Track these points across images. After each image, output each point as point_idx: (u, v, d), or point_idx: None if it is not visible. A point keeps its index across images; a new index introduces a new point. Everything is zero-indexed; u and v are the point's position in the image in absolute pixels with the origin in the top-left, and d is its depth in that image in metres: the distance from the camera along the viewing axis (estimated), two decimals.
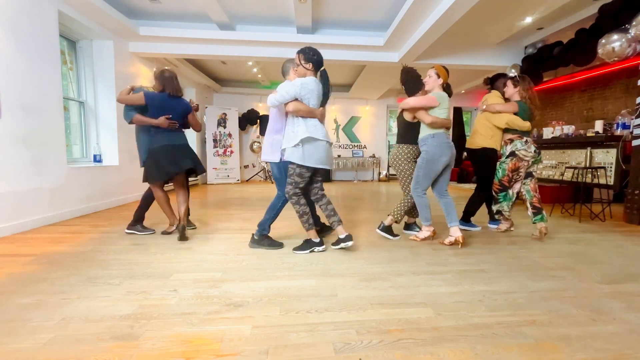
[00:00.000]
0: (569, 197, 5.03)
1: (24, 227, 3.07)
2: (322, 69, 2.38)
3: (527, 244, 2.72)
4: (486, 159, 3.14)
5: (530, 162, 2.94)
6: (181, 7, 4.52)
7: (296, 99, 2.30)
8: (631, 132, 3.71)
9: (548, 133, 4.69)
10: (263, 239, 2.59)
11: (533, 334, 1.36)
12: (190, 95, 7.62)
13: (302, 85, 2.27)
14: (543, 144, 4.77)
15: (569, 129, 4.43)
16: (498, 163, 3.08)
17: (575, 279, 1.96)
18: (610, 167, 3.78)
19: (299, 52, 2.35)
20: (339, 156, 9.31)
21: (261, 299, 1.66)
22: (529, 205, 2.96)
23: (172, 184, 2.99)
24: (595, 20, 3.97)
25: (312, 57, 2.33)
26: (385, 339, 1.31)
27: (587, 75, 6.10)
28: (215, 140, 8.08)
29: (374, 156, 9.45)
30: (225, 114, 8.21)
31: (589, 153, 4.04)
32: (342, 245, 2.43)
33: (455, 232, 2.62)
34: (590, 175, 3.92)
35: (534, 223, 2.92)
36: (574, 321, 1.46)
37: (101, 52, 4.51)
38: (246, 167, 9.30)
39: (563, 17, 4.53)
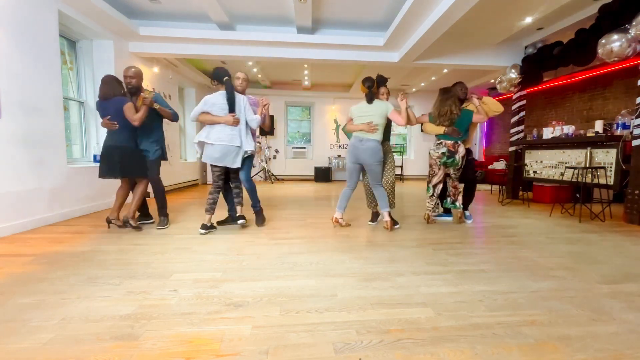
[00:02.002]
0: (569, 197, 5.04)
1: (24, 227, 3.07)
2: (225, 79, 2.99)
3: (527, 244, 2.73)
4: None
5: (438, 162, 3.42)
6: (181, 7, 4.52)
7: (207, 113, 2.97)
8: (631, 132, 3.71)
9: (548, 133, 4.68)
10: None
11: (533, 334, 1.36)
12: (190, 95, 7.63)
13: (204, 101, 2.97)
14: (543, 144, 4.78)
15: (569, 129, 4.43)
16: None
17: (575, 279, 1.96)
18: (610, 167, 3.78)
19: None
20: (339, 156, 9.31)
21: (261, 299, 1.66)
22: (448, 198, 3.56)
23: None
24: (595, 20, 3.97)
25: (214, 74, 3.04)
26: (385, 339, 1.31)
27: (587, 75, 6.10)
28: None
29: None
30: None
31: (589, 153, 4.04)
32: (240, 222, 3.14)
33: (385, 216, 3.17)
34: (590, 175, 3.92)
35: (447, 207, 3.61)
36: (574, 321, 1.46)
37: (101, 52, 4.51)
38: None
39: (563, 17, 4.53)
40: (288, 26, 5.11)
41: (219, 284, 1.85)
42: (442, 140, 3.39)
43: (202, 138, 2.98)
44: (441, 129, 3.40)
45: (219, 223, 3.32)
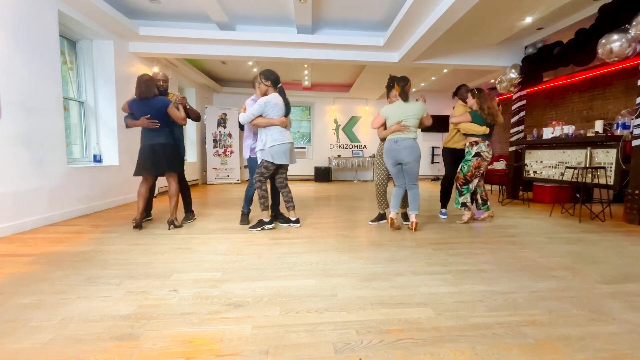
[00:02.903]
0: (569, 197, 5.04)
1: (24, 227, 3.07)
2: (279, 85, 3.11)
3: (527, 244, 2.73)
4: (454, 157, 3.77)
5: (488, 162, 3.48)
6: (181, 7, 4.52)
7: (260, 115, 3.02)
8: (631, 132, 3.71)
9: (548, 133, 4.68)
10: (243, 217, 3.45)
11: (533, 334, 1.36)
12: (190, 94, 7.62)
13: (266, 103, 2.99)
14: (543, 144, 4.78)
15: (569, 129, 4.43)
16: (463, 160, 3.53)
17: (575, 279, 1.96)
18: (610, 167, 3.78)
19: (260, 73, 3.08)
20: (339, 156, 9.31)
21: (261, 299, 1.66)
22: (479, 197, 3.63)
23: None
24: (595, 20, 3.97)
25: (270, 76, 3.06)
26: (385, 339, 1.31)
27: (587, 75, 6.10)
28: (215, 140, 8.08)
29: (374, 156, 9.44)
30: (225, 114, 8.22)
31: (589, 153, 4.04)
32: (291, 225, 3.30)
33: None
34: (590, 175, 3.92)
35: (480, 209, 3.65)
36: (574, 321, 1.46)
37: (101, 52, 4.51)
38: (246, 167, 9.28)
39: (563, 17, 4.53)
40: (288, 26, 5.11)
41: (219, 284, 1.85)
42: (487, 141, 3.42)
43: (276, 141, 3.01)
44: (486, 129, 3.39)
45: (252, 227, 3.21)
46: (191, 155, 7.76)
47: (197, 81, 7.60)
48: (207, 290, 1.76)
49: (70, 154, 4.23)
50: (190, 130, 7.70)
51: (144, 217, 3.45)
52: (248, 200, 3.43)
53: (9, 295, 1.69)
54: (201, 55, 5.32)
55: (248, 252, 2.47)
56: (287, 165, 3.20)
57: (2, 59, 2.90)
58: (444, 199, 3.94)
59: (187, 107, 3.42)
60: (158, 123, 3.03)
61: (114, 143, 4.61)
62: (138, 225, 3.07)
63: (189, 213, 3.55)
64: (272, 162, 3.04)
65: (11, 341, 1.28)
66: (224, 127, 8.17)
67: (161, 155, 3.04)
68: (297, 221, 3.30)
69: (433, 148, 9.82)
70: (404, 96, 3.15)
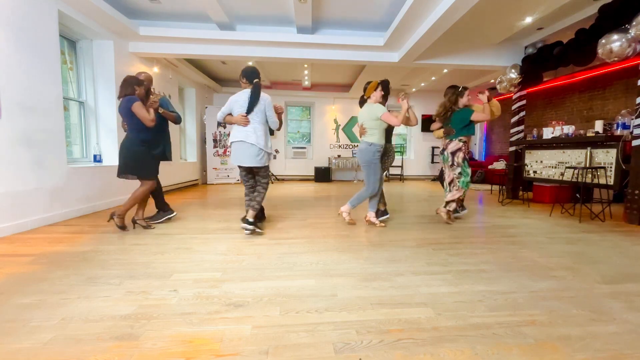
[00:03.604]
0: (569, 197, 5.04)
1: (24, 227, 3.07)
2: (255, 80, 2.94)
3: (527, 244, 2.73)
4: None
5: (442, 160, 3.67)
6: (181, 7, 4.52)
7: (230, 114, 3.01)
8: (631, 132, 3.71)
9: (548, 133, 4.68)
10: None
11: (533, 334, 1.36)
12: (190, 94, 7.63)
13: (229, 100, 2.98)
14: (543, 144, 4.78)
15: (569, 129, 4.43)
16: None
17: (575, 279, 1.96)
18: (610, 167, 3.78)
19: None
20: (339, 156, 9.31)
21: (261, 299, 1.66)
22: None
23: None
24: (595, 21, 3.97)
25: (244, 72, 2.98)
26: (385, 339, 1.31)
27: (587, 75, 6.10)
28: (215, 140, 8.08)
29: None
30: None
31: (589, 153, 4.04)
32: (243, 225, 2.95)
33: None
34: (590, 175, 3.92)
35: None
36: (574, 321, 1.46)
37: (101, 52, 4.51)
38: None
39: (563, 17, 4.53)
40: (288, 26, 5.11)
41: (219, 284, 1.85)
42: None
43: (230, 140, 3.04)
44: (441, 132, 3.65)
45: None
46: (191, 155, 7.76)
47: (197, 81, 7.60)
48: (207, 290, 1.76)
49: (70, 154, 4.23)
50: (190, 130, 7.71)
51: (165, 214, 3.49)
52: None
53: (9, 295, 1.69)
54: (201, 55, 5.32)
55: (248, 252, 2.47)
56: (249, 166, 2.97)
57: (2, 59, 2.90)
58: None
59: (160, 111, 3.19)
60: (125, 124, 3.06)
61: (114, 143, 4.61)
62: (148, 226, 3.16)
63: (160, 212, 3.48)
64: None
65: (11, 341, 1.28)
66: (224, 127, 8.17)
67: (121, 157, 3.02)
68: (245, 220, 2.95)
69: (433, 148, 9.82)
70: (361, 100, 3.43)
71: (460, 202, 3.65)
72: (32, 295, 1.68)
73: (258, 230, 2.97)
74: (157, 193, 3.46)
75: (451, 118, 3.51)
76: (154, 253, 2.41)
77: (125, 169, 3.02)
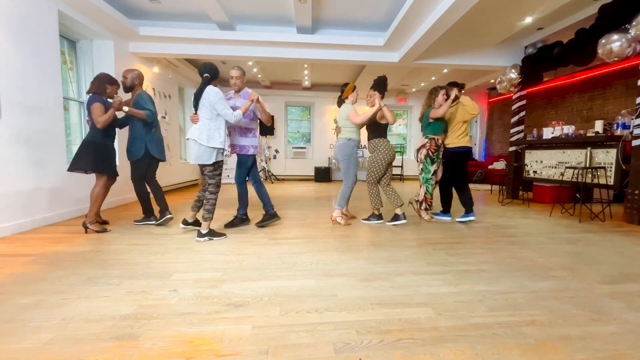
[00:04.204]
0: (569, 197, 5.04)
1: (24, 227, 3.07)
2: (204, 75, 2.78)
3: (527, 244, 2.73)
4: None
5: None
6: (181, 7, 4.52)
7: None
8: (631, 132, 3.71)
9: (548, 133, 4.68)
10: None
11: (533, 334, 1.36)
12: (190, 94, 7.62)
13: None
14: (543, 144, 4.78)
15: (569, 129, 4.43)
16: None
17: (575, 279, 1.96)
18: (610, 167, 3.78)
19: None
20: None
21: (261, 299, 1.66)
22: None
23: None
24: (595, 21, 3.97)
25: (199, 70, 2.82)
26: (385, 339, 1.31)
27: (587, 75, 6.10)
28: None
29: None
30: None
31: (589, 153, 4.04)
32: (183, 227, 3.07)
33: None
34: (590, 175, 3.92)
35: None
36: (574, 321, 1.46)
37: (101, 52, 4.51)
38: None
39: (563, 17, 4.53)
40: (288, 26, 5.10)
41: (219, 284, 1.85)
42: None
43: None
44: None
45: (226, 226, 3.27)
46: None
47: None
48: (207, 290, 1.76)
49: (70, 154, 4.22)
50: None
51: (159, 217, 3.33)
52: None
53: (9, 295, 1.69)
54: (201, 55, 5.32)
55: (248, 252, 2.47)
56: (205, 164, 2.78)
57: (2, 59, 2.90)
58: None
59: (125, 110, 3.04)
60: (89, 120, 3.06)
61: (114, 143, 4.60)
62: (101, 230, 3.00)
63: (150, 216, 3.40)
64: None
65: (11, 341, 1.28)
66: None
67: (80, 151, 2.94)
68: (184, 222, 3.05)
69: None
70: (339, 100, 3.60)
71: (429, 203, 3.66)
72: (32, 295, 1.68)
73: (212, 238, 2.80)
74: (147, 197, 3.37)
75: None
76: (154, 253, 2.41)
77: (78, 162, 2.93)
